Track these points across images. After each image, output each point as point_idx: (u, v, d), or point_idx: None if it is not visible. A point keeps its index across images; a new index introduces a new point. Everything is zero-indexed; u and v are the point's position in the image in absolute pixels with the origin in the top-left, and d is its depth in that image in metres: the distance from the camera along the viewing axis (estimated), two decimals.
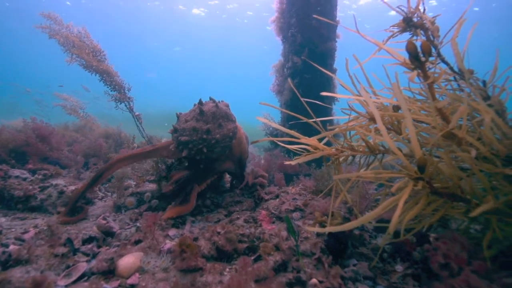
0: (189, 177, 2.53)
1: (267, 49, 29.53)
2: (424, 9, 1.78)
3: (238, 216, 2.27)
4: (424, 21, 1.71)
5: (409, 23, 1.76)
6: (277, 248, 1.69)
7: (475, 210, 1.12)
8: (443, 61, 1.72)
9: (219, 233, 1.82)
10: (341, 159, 1.79)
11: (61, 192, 2.71)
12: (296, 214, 2.27)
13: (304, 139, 1.71)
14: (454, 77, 1.70)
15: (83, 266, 1.61)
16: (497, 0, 18.36)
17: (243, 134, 2.94)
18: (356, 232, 1.91)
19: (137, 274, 1.55)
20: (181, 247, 1.61)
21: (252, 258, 1.68)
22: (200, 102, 2.54)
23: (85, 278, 1.55)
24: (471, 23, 1.58)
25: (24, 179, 2.88)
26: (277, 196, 2.71)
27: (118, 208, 2.62)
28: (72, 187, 2.80)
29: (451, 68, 1.69)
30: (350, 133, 1.79)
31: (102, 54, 4.95)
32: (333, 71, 4.83)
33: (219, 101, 2.69)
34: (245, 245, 1.78)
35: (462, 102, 1.37)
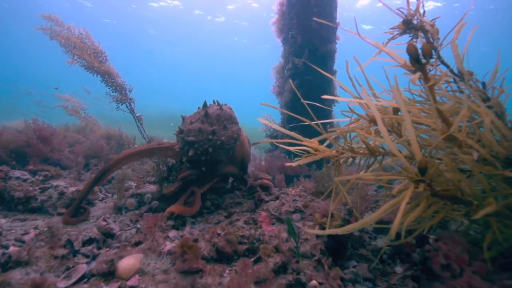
0: (191, 179, 2.54)
1: (268, 50, 29.56)
2: (424, 11, 1.78)
3: (238, 217, 2.27)
4: (424, 24, 1.71)
5: (409, 25, 1.77)
6: (277, 249, 1.69)
7: (478, 213, 1.11)
8: (443, 63, 1.72)
9: (219, 234, 1.82)
10: (341, 161, 1.79)
11: (62, 193, 2.71)
12: (296, 216, 2.27)
13: (305, 141, 1.72)
14: (454, 79, 1.70)
15: (83, 267, 1.61)
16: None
17: (245, 137, 2.96)
18: (356, 233, 1.91)
19: (137, 276, 1.55)
20: (183, 248, 1.61)
21: (252, 259, 1.68)
22: (205, 105, 2.57)
23: (85, 279, 1.55)
24: (472, 24, 1.59)
25: (25, 180, 2.89)
26: (277, 198, 2.71)
27: (118, 209, 2.62)
28: (73, 188, 2.80)
29: (451, 70, 1.69)
30: (350, 135, 1.79)
31: (103, 55, 4.97)
32: (333, 72, 4.84)
33: (222, 104, 2.72)
34: (245, 247, 1.78)
35: (462, 104, 1.37)
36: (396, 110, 1.64)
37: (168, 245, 1.83)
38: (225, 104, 2.78)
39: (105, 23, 28.72)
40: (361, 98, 1.72)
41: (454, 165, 1.34)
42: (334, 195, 1.72)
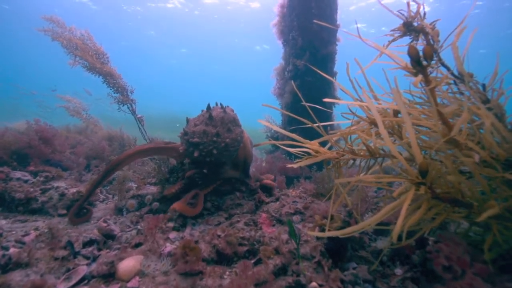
0: (193, 181, 2.56)
1: (268, 52, 29.59)
2: (424, 13, 1.78)
3: (239, 219, 2.27)
4: (424, 26, 1.72)
5: (409, 28, 1.77)
6: (277, 251, 1.69)
7: (480, 216, 1.11)
8: (443, 65, 1.72)
9: (219, 236, 1.82)
10: (341, 163, 1.79)
11: (62, 195, 2.72)
12: (296, 217, 2.27)
13: (306, 143, 1.72)
14: (454, 81, 1.70)
15: (83, 269, 1.61)
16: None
17: (247, 138, 2.98)
18: (356, 235, 1.91)
19: (137, 278, 1.55)
20: (184, 250, 1.61)
21: (252, 261, 1.68)
22: (209, 107, 2.59)
23: (85, 281, 1.55)
24: (472, 26, 1.59)
25: (26, 181, 2.89)
26: (277, 199, 2.72)
27: (119, 211, 2.62)
28: (74, 190, 2.81)
29: (452, 73, 1.69)
30: (351, 137, 1.79)
31: (105, 57, 4.99)
32: (334, 74, 4.85)
33: (225, 107, 2.74)
34: (245, 248, 1.78)
35: (462, 106, 1.37)
36: (396, 112, 1.64)
37: (169, 247, 1.83)
38: (228, 107, 2.79)
39: (106, 25, 28.80)
40: (361, 100, 1.72)
41: (455, 167, 1.34)
42: (334, 197, 1.72)
